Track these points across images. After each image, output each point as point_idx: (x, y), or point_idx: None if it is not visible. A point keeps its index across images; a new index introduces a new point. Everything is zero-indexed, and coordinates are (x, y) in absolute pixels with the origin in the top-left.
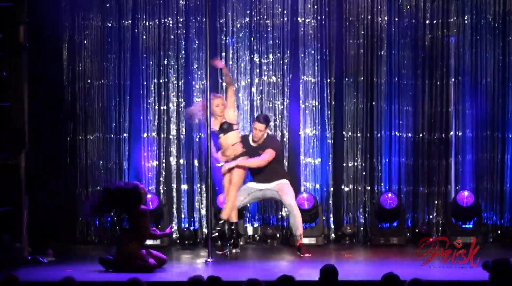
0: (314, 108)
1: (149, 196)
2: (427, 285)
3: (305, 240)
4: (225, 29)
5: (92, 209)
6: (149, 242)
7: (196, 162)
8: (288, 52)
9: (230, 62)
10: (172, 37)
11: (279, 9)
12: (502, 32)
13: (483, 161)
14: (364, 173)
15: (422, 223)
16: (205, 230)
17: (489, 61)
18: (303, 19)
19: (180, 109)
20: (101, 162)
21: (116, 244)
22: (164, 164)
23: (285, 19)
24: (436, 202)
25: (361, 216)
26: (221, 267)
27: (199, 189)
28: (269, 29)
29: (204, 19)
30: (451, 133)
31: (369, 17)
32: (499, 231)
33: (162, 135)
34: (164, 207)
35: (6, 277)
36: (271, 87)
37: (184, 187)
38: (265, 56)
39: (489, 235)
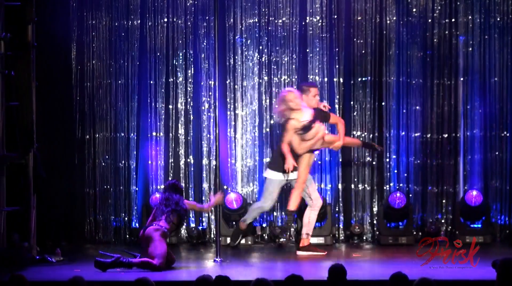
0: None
1: (157, 195)
2: (436, 285)
3: (314, 240)
4: (233, 28)
5: None
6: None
7: (204, 161)
8: (297, 51)
9: (239, 62)
10: (180, 36)
11: (288, 9)
12: (510, 32)
13: (492, 161)
14: (372, 172)
15: (430, 222)
16: (213, 230)
17: (497, 61)
18: (311, 18)
19: (188, 108)
20: (109, 161)
21: None
22: (172, 164)
23: (294, 19)
24: (444, 201)
25: (369, 215)
26: (230, 266)
27: (208, 189)
28: (278, 29)
29: (213, 18)
30: (460, 132)
31: (377, 16)
32: (507, 231)
33: (170, 135)
34: None
35: (12, 277)
36: (280, 86)
37: (192, 186)
38: (274, 55)
39: (497, 234)
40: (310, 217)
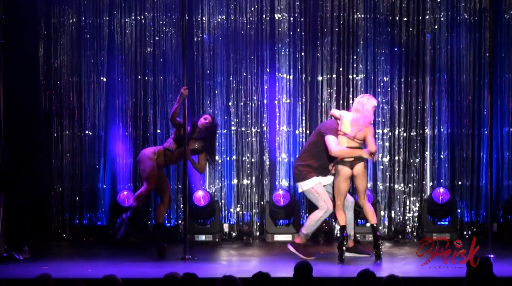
0: (287, 105)
1: (125, 192)
2: (403, 283)
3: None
4: (201, 25)
5: None
6: None
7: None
8: (265, 49)
9: (207, 60)
10: (148, 33)
11: (256, 6)
12: (477, 29)
13: (459, 158)
14: None
15: (397, 220)
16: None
17: (464, 58)
18: (279, 16)
19: (156, 106)
20: (77, 159)
21: None
22: None
23: (262, 16)
24: (411, 199)
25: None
26: (199, 263)
27: (176, 187)
28: (244, 26)
29: (180, 16)
30: (427, 130)
31: (345, 13)
32: (474, 228)
33: (138, 132)
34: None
35: None
36: (248, 83)
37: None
38: (242, 53)
39: (464, 232)
40: (348, 217)
